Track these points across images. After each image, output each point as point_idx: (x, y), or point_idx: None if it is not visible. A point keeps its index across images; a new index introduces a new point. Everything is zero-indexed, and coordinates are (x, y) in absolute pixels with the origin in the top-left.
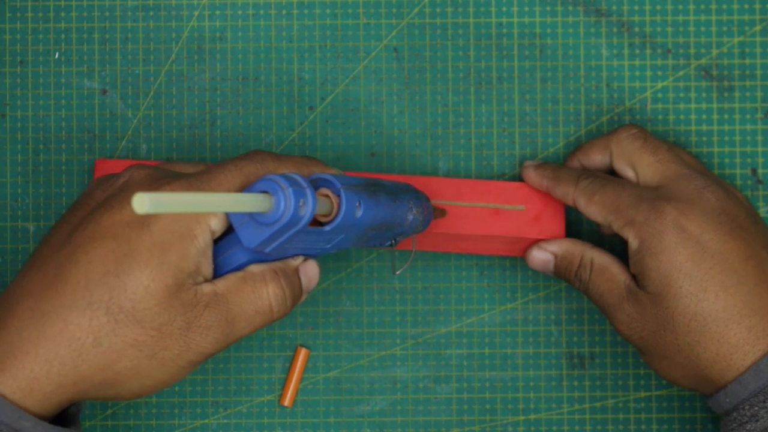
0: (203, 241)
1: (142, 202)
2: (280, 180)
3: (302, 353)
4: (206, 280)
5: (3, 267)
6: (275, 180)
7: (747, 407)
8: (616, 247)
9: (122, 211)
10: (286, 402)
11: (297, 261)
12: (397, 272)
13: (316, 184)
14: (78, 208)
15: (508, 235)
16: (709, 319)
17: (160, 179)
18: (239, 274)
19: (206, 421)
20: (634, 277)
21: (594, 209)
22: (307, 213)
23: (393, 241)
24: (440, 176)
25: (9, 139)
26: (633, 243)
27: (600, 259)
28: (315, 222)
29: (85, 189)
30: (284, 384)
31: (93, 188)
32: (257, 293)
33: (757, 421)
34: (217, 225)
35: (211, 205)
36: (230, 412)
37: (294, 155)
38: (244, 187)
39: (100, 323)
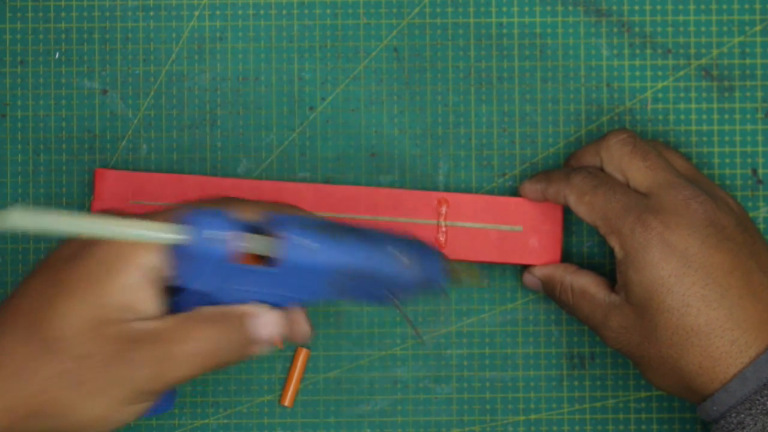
0: (133, 276)
1: (12, 215)
2: (194, 213)
3: (302, 353)
4: (148, 317)
5: (3, 267)
6: (190, 213)
7: (734, 415)
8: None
9: (63, 248)
10: (286, 402)
11: (245, 307)
12: (424, 337)
13: (273, 226)
14: None
15: (504, 262)
16: (691, 333)
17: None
18: (183, 314)
19: (206, 421)
20: (620, 286)
21: (583, 210)
22: (218, 243)
23: (394, 299)
24: (440, 179)
25: (9, 139)
26: (618, 253)
27: (579, 282)
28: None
29: None
30: (284, 384)
31: None
32: (193, 335)
33: (744, 428)
34: (153, 261)
35: (90, 228)
36: (230, 412)
37: (266, 201)
38: None
39: (30, 350)
